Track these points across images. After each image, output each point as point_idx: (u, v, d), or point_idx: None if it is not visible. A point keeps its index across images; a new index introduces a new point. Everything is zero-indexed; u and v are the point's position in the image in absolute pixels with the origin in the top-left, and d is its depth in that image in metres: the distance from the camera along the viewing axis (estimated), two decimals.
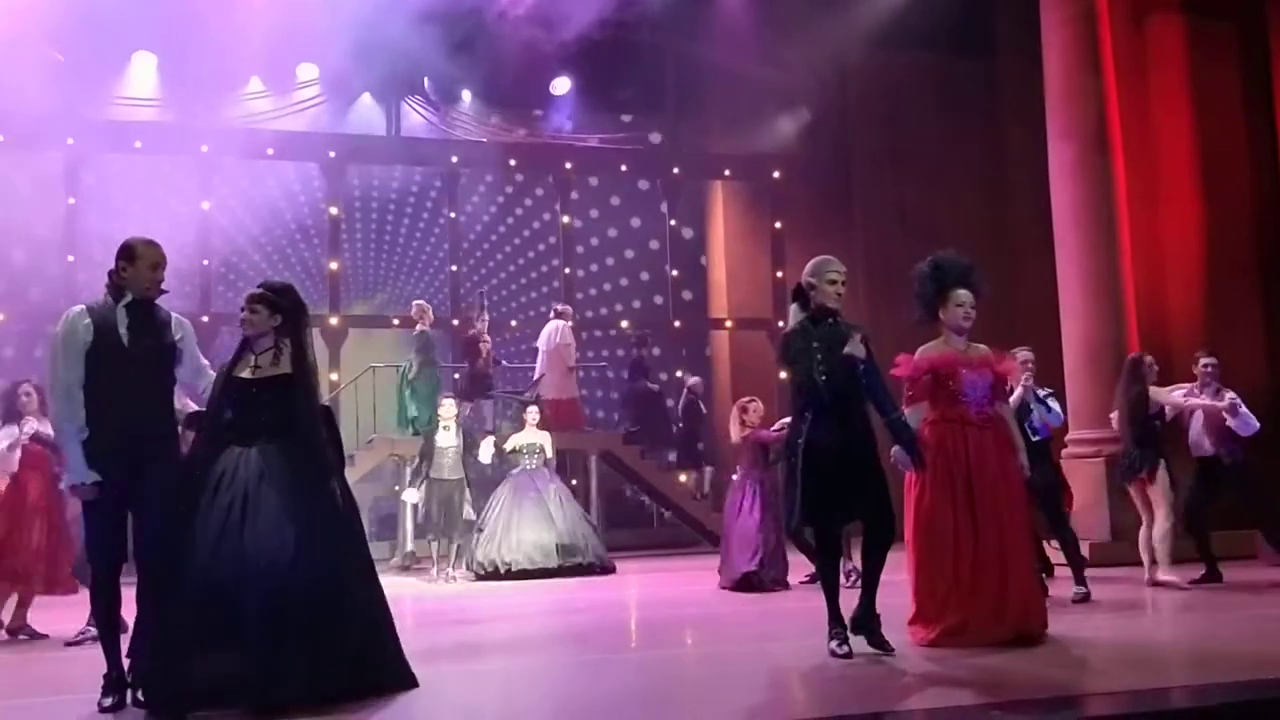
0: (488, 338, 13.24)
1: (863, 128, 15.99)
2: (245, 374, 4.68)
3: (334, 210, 15.20)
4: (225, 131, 14.32)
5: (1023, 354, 7.45)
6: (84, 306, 4.65)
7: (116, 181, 14.50)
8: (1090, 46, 11.02)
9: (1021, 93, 13.21)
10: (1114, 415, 8.15)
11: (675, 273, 16.51)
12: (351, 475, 13.12)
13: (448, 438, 10.44)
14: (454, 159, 15.60)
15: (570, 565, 10.43)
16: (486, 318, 13.44)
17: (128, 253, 4.65)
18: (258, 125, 14.65)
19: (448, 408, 10.62)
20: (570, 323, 13.66)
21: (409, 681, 4.60)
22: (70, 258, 13.82)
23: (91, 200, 14.28)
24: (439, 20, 12.99)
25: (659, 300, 16.84)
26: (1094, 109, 10.93)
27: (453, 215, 15.93)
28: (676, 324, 16.39)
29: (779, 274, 16.17)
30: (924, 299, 5.62)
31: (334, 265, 15.14)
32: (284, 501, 4.44)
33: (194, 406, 7.31)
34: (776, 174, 16.30)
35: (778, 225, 16.37)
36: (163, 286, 4.73)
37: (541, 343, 13.43)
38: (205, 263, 14.57)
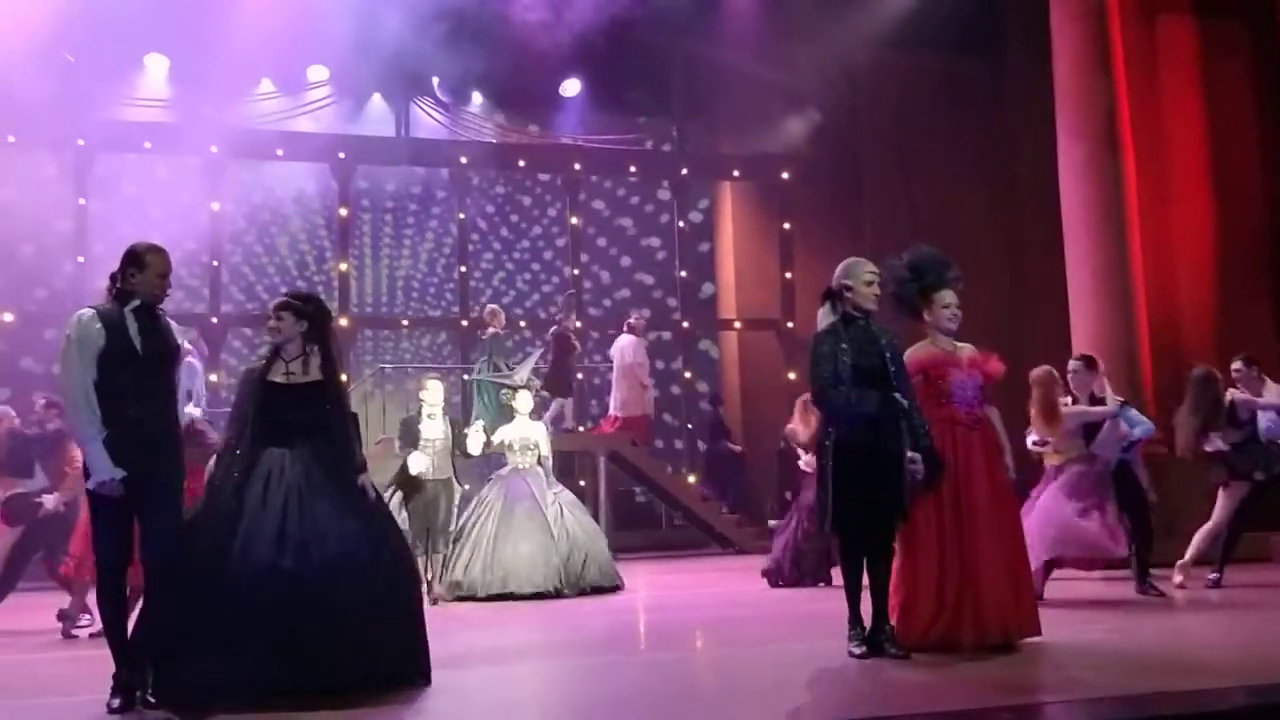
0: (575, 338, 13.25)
1: (871, 128, 15.96)
2: (279, 379, 4.89)
3: (343, 211, 15.22)
4: (235, 132, 14.36)
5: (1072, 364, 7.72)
6: (93, 310, 4.67)
7: (126, 182, 14.56)
8: (1099, 45, 10.99)
9: (1030, 92, 13.18)
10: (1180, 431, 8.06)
11: (683, 273, 16.52)
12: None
13: (433, 427, 8.66)
14: (463, 160, 15.62)
15: (573, 591, 8.77)
16: (574, 317, 13.46)
17: (136, 260, 4.68)
18: (268, 126, 14.69)
19: (432, 391, 8.79)
20: (644, 339, 13.47)
21: (427, 676, 4.78)
22: (80, 258, 13.87)
23: (102, 201, 14.34)
24: (448, 22, 13.01)
25: (667, 301, 16.84)
26: (1104, 108, 10.89)
27: (461, 216, 15.95)
28: (684, 324, 16.39)
29: (788, 275, 16.16)
30: (905, 301, 5.55)
31: (343, 266, 15.17)
32: (334, 499, 4.69)
33: (196, 411, 7.40)
34: (785, 175, 16.28)
35: (786, 226, 16.35)
36: (168, 291, 4.78)
37: (615, 357, 13.45)
38: (214, 264, 14.62)
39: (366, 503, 4.83)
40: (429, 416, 8.69)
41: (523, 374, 10.19)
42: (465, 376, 14.20)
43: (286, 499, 4.61)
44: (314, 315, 4.94)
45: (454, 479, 8.74)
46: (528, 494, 9.05)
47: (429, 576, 8.46)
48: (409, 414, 9.00)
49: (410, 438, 8.63)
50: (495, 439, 9.25)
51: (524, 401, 9.47)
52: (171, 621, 4.47)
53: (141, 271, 4.66)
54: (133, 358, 4.60)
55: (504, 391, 10.04)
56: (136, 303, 4.66)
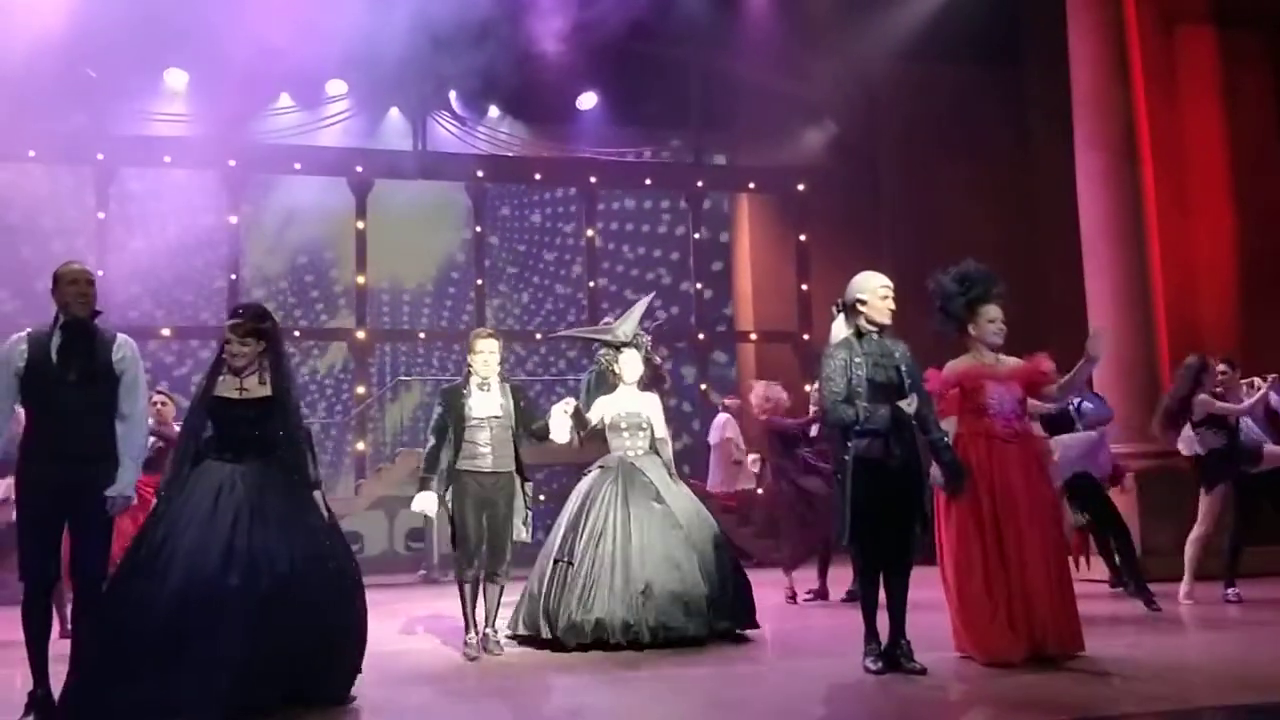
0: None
1: (888, 139, 15.93)
2: (232, 394, 4.81)
3: (360, 224, 15.28)
4: (253, 146, 14.46)
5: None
6: (25, 333, 4.75)
7: (145, 196, 14.66)
8: (1118, 55, 10.93)
9: (1049, 102, 13.13)
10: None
11: (700, 285, 16.52)
12: (379, 488, 13.38)
13: (486, 403, 6.23)
14: (480, 173, 15.66)
15: (716, 632, 6.35)
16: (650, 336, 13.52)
17: (53, 279, 4.77)
18: (286, 140, 14.78)
19: (485, 355, 6.26)
20: (736, 417, 13.31)
21: (345, 696, 4.70)
22: (100, 272, 13.84)
23: (121, 215, 14.43)
24: (466, 36, 13.06)
25: (684, 313, 16.82)
26: (1122, 118, 10.83)
27: (478, 229, 16.00)
28: (701, 336, 16.38)
29: (804, 287, 16.13)
30: (951, 314, 5.56)
31: (361, 279, 15.22)
32: (284, 515, 4.63)
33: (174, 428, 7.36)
34: (801, 186, 16.26)
35: (803, 238, 16.33)
36: (96, 307, 4.76)
37: (711, 437, 13.37)
38: (233, 277, 14.69)
39: (319, 518, 4.76)
40: (480, 387, 6.26)
41: (628, 327, 7.16)
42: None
43: (236, 515, 4.53)
44: (271, 333, 4.89)
45: (519, 471, 6.29)
46: (653, 493, 6.51)
47: (480, 614, 6.26)
48: (450, 384, 6.54)
49: (454, 412, 6.22)
50: (593, 416, 6.70)
51: (630, 365, 6.84)
52: (109, 640, 4.39)
53: (56, 287, 4.74)
54: (52, 376, 4.60)
55: (602, 352, 7.32)
56: (63, 320, 4.70)
